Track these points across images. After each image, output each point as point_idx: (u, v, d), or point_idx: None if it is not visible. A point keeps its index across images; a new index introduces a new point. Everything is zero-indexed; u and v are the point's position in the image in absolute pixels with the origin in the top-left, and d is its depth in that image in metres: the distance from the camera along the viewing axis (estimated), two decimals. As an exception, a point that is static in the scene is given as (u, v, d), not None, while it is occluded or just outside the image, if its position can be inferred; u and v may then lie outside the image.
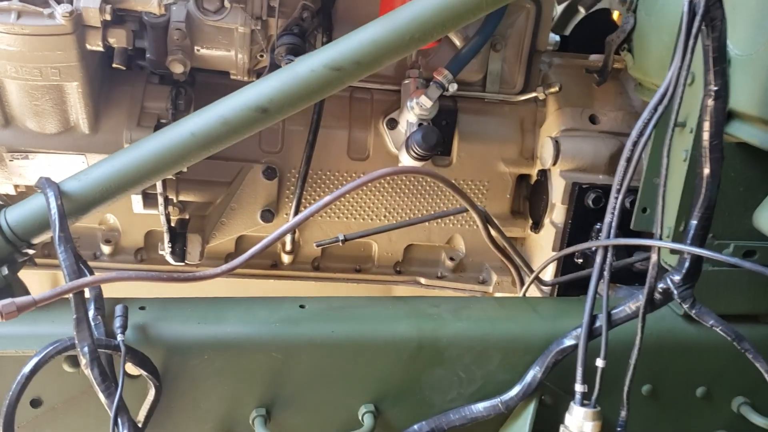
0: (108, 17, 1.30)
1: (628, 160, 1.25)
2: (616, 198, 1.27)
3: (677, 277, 1.25)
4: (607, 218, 1.28)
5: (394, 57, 1.28)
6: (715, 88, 1.18)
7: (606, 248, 1.28)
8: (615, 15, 2.15)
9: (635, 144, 1.24)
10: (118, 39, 1.37)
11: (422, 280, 1.92)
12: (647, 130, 1.23)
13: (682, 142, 1.36)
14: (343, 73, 1.26)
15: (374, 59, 1.26)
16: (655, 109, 1.23)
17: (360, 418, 1.36)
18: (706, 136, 1.20)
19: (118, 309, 1.26)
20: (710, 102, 1.19)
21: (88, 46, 1.34)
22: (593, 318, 1.28)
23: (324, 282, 1.90)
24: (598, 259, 1.28)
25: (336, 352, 1.34)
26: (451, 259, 1.90)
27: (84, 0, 1.28)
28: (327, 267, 1.89)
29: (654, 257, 1.25)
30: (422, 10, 1.23)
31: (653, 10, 1.55)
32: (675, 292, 1.25)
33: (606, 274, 1.27)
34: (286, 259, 1.86)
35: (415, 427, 1.36)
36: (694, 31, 1.13)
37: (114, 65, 1.41)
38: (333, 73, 1.26)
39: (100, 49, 1.35)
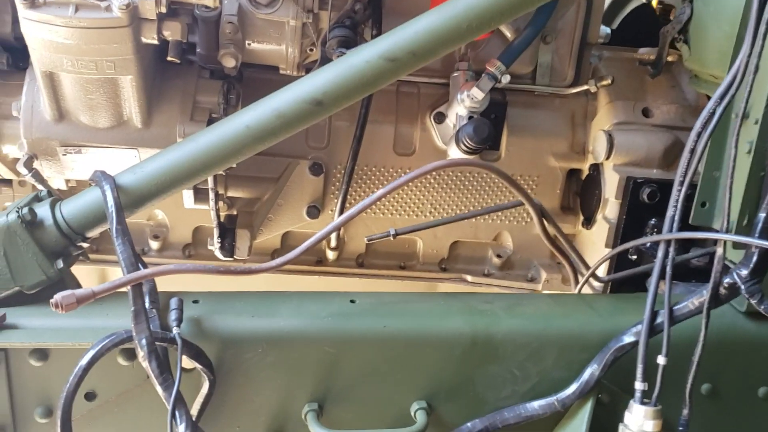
0: (164, 9, 1.31)
1: (692, 152, 1.22)
2: (679, 191, 1.24)
3: (744, 272, 1.21)
4: (670, 212, 1.25)
5: (449, 47, 1.27)
6: (786, 77, 1.15)
7: (668, 242, 1.24)
8: (653, 2, 2.12)
9: (700, 135, 1.21)
10: (173, 32, 1.38)
11: (468, 278, 1.90)
12: (713, 121, 1.19)
13: (746, 134, 1.32)
14: (398, 64, 1.25)
15: (430, 49, 1.25)
16: (722, 99, 1.19)
17: (413, 414, 1.34)
18: (776, 127, 1.17)
19: (174, 302, 1.26)
20: (781, 91, 1.16)
21: (144, 39, 1.35)
22: (654, 314, 1.25)
23: (368, 279, 1.88)
24: (661, 253, 1.25)
25: (388, 347, 1.33)
26: (498, 256, 1.88)
27: (140, -8, 1.29)
28: (371, 264, 1.88)
29: (720, 251, 1.21)
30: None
31: (711, -1, 1.52)
32: (742, 287, 1.21)
33: (669, 268, 1.24)
34: (330, 255, 1.85)
35: (469, 424, 1.33)
36: (766, 16, 1.10)
37: (168, 58, 1.41)
38: (388, 63, 1.24)
39: (155, 42, 1.36)
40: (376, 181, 1.80)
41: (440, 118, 1.73)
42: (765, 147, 1.19)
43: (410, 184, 1.79)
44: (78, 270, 1.43)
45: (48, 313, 1.22)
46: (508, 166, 1.77)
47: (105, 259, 1.78)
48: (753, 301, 1.21)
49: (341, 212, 1.73)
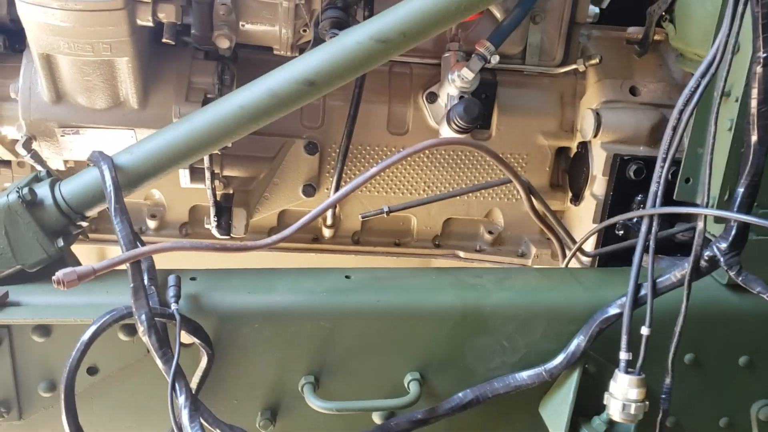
0: (158, -8, 1.33)
1: (674, 129, 1.26)
2: (662, 167, 1.27)
3: (723, 245, 1.25)
4: (653, 187, 1.29)
5: (440, 27, 1.29)
6: (764, 56, 1.18)
7: (651, 217, 1.28)
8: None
9: (681, 113, 1.24)
10: (168, 14, 1.40)
11: (461, 254, 1.94)
12: (694, 99, 1.23)
13: (727, 111, 1.35)
14: (389, 45, 1.27)
15: (420, 30, 1.27)
16: (702, 77, 1.23)
17: (406, 385, 1.39)
18: (754, 103, 1.20)
19: (172, 279, 1.29)
20: (759, 69, 1.19)
21: (139, 22, 1.37)
22: (638, 286, 1.29)
23: (364, 255, 1.92)
24: (644, 228, 1.29)
25: (382, 321, 1.37)
26: (490, 232, 1.92)
27: (134, -24, 1.31)
28: (367, 241, 1.91)
29: (700, 225, 1.25)
30: (469, -20, 1.24)
31: (696, -21, 1.54)
32: (721, 259, 1.25)
33: (651, 242, 1.28)
34: (327, 233, 1.88)
35: (460, 394, 1.38)
36: (745, -5, 1.12)
37: (164, 40, 1.43)
38: (379, 45, 1.27)
39: (150, 24, 1.38)
40: (371, 160, 1.83)
41: (432, 98, 1.76)
42: (744, 124, 1.22)
43: (404, 162, 1.82)
44: (77, 249, 1.47)
45: (49, 291, 1.25)
46: (498, 145, 1.81)
47: (103, 238, 1.81)
48: (731, 273, 1.25)
49: (337, 190, 1.76)
